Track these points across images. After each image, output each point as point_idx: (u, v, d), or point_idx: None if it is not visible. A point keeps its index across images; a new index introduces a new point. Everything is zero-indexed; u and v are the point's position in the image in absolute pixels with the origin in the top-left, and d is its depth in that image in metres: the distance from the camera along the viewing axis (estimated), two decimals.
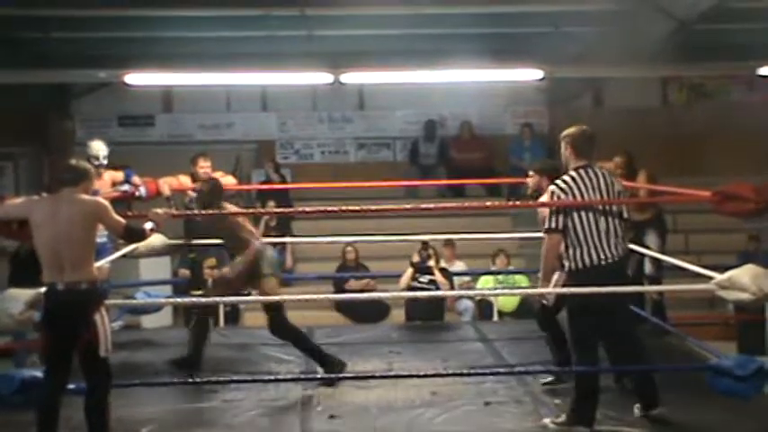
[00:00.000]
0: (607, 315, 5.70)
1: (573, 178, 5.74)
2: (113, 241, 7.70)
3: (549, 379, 6.66)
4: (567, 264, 5.75)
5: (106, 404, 5.28)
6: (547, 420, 5.89)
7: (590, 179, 5.74)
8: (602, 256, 5.66)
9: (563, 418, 5.81)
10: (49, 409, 5.20)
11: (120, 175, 8.33)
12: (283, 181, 13.30)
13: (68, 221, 5.17)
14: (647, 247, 8.05)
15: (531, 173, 6.90)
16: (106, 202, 5.39)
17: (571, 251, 5.69)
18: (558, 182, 5.77)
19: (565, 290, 5.88)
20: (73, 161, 5.54)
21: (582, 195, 5.70)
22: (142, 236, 5.67)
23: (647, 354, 5.98)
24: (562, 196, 5.71)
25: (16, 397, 5.50)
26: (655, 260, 8.11)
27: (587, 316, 5.69)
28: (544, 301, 6.45)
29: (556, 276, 6.06)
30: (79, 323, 5.18)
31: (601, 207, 5.69)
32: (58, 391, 5.25)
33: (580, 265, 5.68)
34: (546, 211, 5.97)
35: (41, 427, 5.16)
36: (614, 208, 5.74)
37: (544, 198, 6.30)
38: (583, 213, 5.67)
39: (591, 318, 5.69)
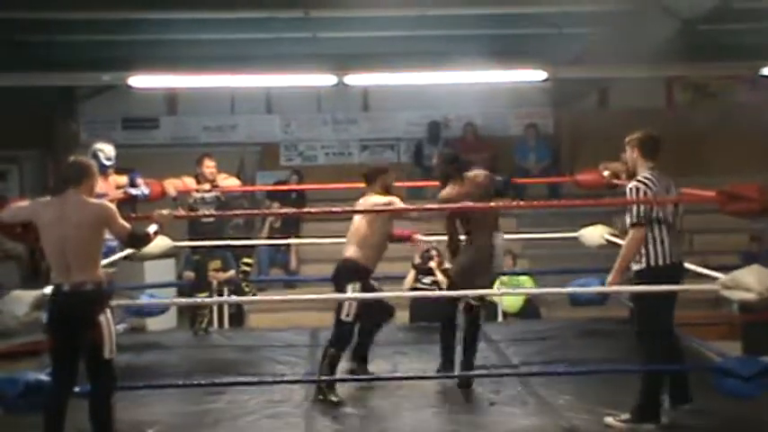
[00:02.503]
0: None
1: (653, 175, 5.81)
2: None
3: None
4: (642, 259, 5.75)
5: (111, 406, 5.29)
6: (609, 419, 5.79)
7: (662, 181, 5.82)
8: (675, 254, 5.76)
9: (627, 415, 5.74)
10: (56, 412, 5.19)
11: (123, 179, 8.29)
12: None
13: (76, 224, 5.17)
14: None
15: None
16: (113, 207, 5.38)
17: (651, 246, 5.72)
18: (641, 178, 5.82)
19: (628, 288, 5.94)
20: (73, 158, 5.48)
21: (662, 194, 5.79)
22: (146, 241, 5.65)
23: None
24: (649, 192, 5.75)
25: (21, 400, 5.50)
26: None
27: (667, 308, 5.79)
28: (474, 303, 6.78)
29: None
30: (84, 324, 5.18)
31: (672, 210, 5.78)
32: (65, 394, 5.25)
33: (660, 261, 5.72)
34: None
35: (48, 430, 5.16)
36: (678, 215, 5.83)
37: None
38: (663, 212, 5.74)
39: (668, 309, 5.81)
